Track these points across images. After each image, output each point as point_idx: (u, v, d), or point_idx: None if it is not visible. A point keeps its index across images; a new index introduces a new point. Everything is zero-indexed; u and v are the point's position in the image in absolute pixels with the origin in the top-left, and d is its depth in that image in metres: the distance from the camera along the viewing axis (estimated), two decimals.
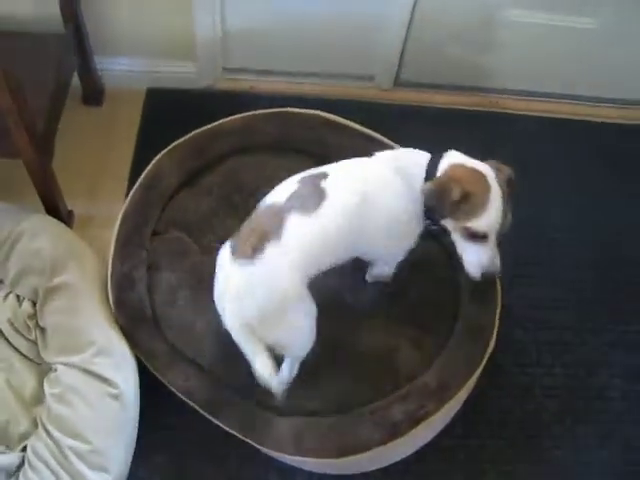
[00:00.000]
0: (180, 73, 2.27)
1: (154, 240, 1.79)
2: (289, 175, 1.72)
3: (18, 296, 1.81)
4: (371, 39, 2.23)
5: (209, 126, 1.92)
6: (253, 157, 1.92)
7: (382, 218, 1.55)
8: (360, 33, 2.21)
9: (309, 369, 1.66)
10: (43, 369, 1.77)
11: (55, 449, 1.58)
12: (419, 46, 2.25)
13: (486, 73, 2.38)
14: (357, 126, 1.95)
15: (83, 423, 1.60)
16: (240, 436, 1.66)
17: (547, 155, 2.40)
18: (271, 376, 1.51)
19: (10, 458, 1.63)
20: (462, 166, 1.51)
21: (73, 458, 1.57)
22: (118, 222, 1.78)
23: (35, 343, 1.78)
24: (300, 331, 1.54)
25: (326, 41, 2.24)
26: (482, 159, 1.54)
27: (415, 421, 1.59)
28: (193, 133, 1.91)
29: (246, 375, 1.64)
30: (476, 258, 1.52)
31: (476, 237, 1.50)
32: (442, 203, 1.48)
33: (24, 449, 1.65)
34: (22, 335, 1.78)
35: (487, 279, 1.53)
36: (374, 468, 1.75)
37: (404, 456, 1.72)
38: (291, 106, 2.02)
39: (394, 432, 1.58)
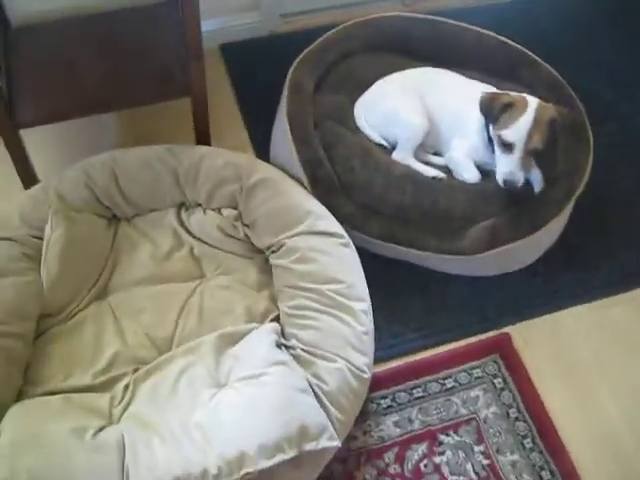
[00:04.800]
0: (246, 24, 2.64)
1: (317, 129, 2.16)
2: (393, 70, 2.20)
3: (213, 209, 2.10)
4: None
5: (319, 41, 2.31)
6: (360, 58, 2.36)
7: None
8: None
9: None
10: (256, 261, 2.06)
11: (316, 296, 1.85)
12: None
13: None
14: (433, 17, 2.43)
15: (331, 269, 1.89)
16: (440, 255, 2.08)
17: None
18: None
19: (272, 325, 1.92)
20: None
21: (335, 296, 1.84)
22: (286, 122, 2.13)
23: (244, 241, 2.07)
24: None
25: None
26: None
27: (569, 196, 2.10)
28: (307, 50, 2.28)
29: (430, 204, 2.08)
30: (502, 168, 2.00)
31: (505, 146, 1.97)
32: (491, 109, 1.99)
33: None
34: (232, 237, 2.06)
35: (509, 189, 2.00)
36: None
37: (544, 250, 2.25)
38: None
39: (560, 207, 2.09)
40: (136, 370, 1.82)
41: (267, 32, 2.69)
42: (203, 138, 2.22)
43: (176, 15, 2.20)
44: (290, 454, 1.58)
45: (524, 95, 2.02)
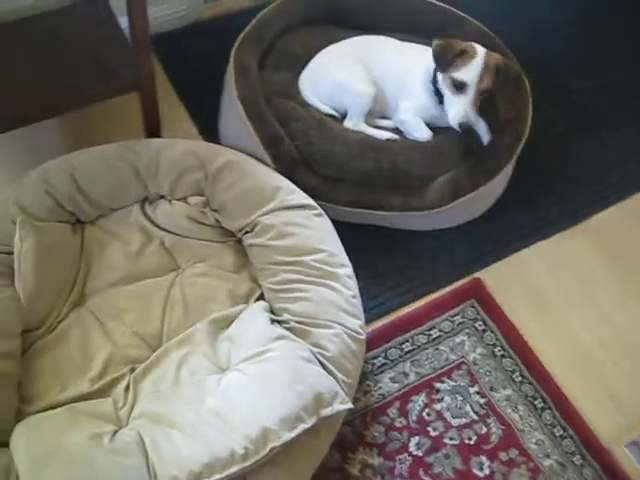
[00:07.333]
0: (172, 14, 2.60)
1: (268, 106, 2.18)
2: (330, 42, 2.24)
3: (178, 199, 2.08)
4: None
5: (256, 20, 2.30)
6: (297, 33, 2.40)
7: None
8: None
9: None
10: (230, 245, 2.05)
11: (300, 268, 1.88)
12: None
13: None
14: None
15: (310, 240, 1.92)
16: (407, 213, 2.16)
17: None
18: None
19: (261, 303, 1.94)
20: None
21: (319, 265, 1.88)
22: (239, 104, 2.13)
23: (215, 226, 2.06)
24: None
25: None
26: None
27: (518, 141, 2.23)
28: (246, 31, 2.27)
29: (389, 166, 2.15)
30: (455, 109, 2.09)
31: (458, 88, 2.07)
32: (445, 54, 2.07)
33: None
34: (201, 223, 2.05)
35: (464, 130, 2.09)
36: None
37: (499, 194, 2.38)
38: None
39: (511, 152, 2.22)
40: (132, 370, 1.80)
41: (193, 19, 2.67)
42: (154, 132, 2.20)
43: (101, 12, 2.15)
44: (310, 423, 1.62)
45: (471, 43, 2.11)
